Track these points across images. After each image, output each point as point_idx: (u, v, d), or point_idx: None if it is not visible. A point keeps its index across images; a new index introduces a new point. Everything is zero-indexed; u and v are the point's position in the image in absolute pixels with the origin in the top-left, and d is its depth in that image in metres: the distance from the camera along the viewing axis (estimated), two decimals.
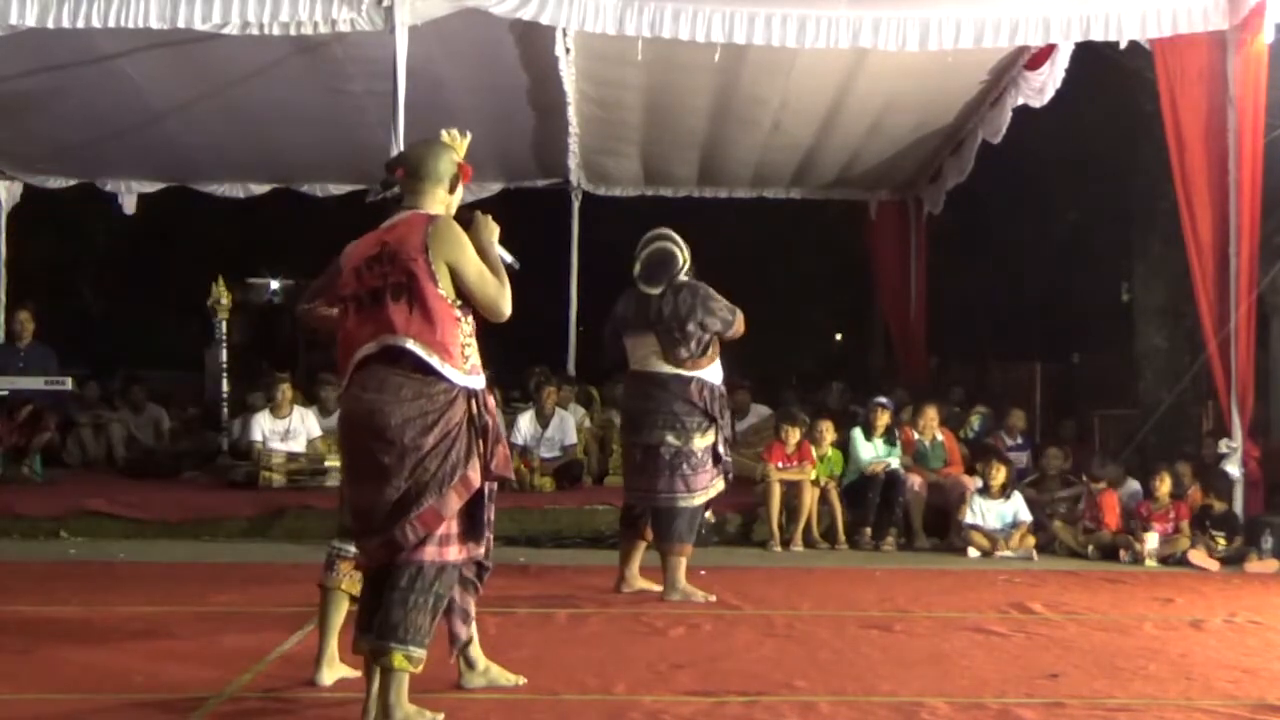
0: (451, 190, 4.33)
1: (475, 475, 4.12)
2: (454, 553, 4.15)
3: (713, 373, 6.74)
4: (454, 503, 4.09)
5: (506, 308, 4.20)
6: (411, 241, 4.10)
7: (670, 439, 6.60)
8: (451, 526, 4.13)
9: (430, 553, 4.09)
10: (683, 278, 6.73)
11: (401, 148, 8.27)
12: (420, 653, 4.09)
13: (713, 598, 6.61)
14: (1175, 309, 11.70)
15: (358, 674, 4.47)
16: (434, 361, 4.06)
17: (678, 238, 6.83)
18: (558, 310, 13.66)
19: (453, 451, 4.07)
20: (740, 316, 6.78)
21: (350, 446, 4.20)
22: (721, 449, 6.77)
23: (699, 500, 6.73)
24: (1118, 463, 9.51)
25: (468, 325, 4.17)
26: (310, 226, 18.23)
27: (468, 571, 4.37)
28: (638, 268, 6.80)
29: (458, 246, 4.12)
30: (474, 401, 4.16)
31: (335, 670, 4.76)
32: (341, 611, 4.73)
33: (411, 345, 4.06)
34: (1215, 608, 6.75)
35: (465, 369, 4.13)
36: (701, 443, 6.65)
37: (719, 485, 6.85)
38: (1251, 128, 8.69)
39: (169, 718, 4.33)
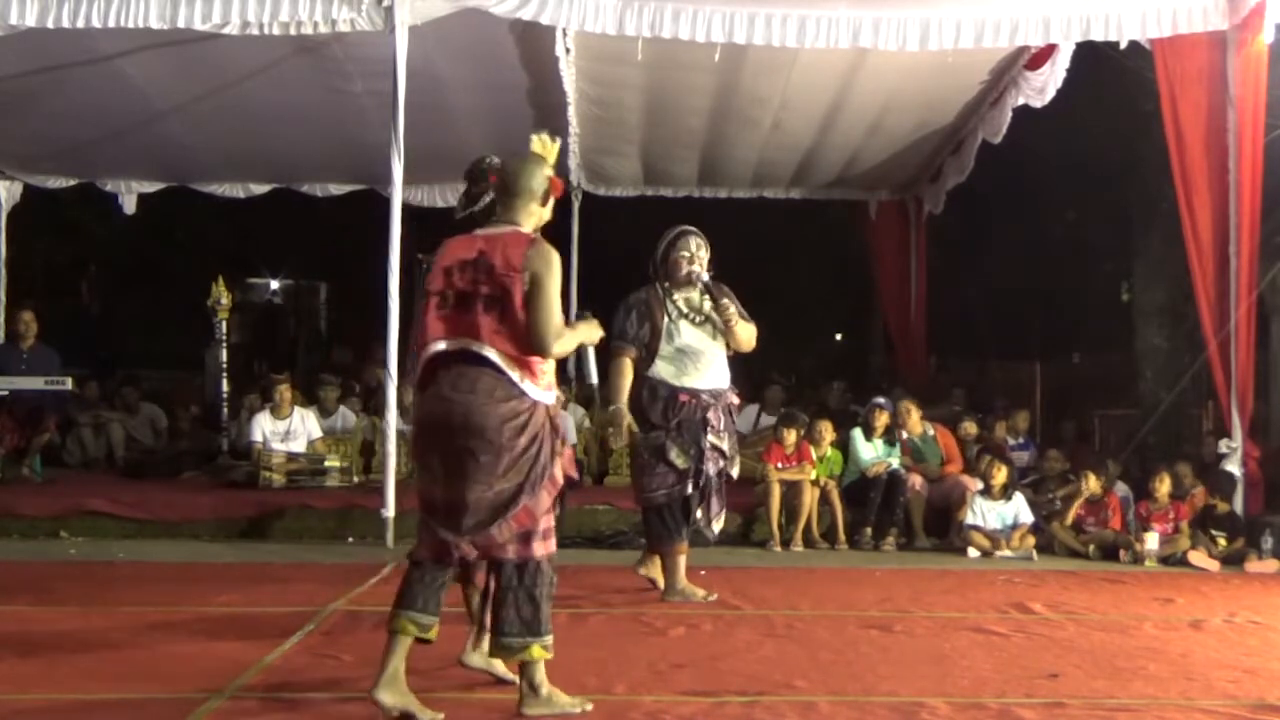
0: (543, 203, 4.48)
1: (559, 474, 4.37)
2: (553, 545, 4.39)
3: None
4: (545, 501, 4.32)
5: (553, 347, 4.26)
6: (512, 260, 4.25)
7: (641, 439, 6.49)
8: (549, 521, 4.35)
9: (539, 548, 4.31)
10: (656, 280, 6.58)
11: (401, 148, 8.32)
12: (551, 639, 4.32)
13: (713, 596, 6.59)
14: (1175, 309, 11.71)
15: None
16: (514, 376, 4.24)
17: (672, 235, 6.61)
18: None
19: (542, 452, 4.28)
20: (612, 356, 6.38)
21: (440, 446, 4.29)
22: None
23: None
24: (1115, 463, 9.53)
25: None
26: (310, 226, 18.25)
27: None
28: None
29: (548, 271, 4.26)
30: (549, 406, 4.36)
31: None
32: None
33: (494, 356, 4.22)
34: (1215, 608, 6.75)
35: (541, 386, 4.30)
36: None
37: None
38: (1251, 128, 8.70)
39: (169, 718, 4.33)
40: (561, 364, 13.08)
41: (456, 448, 4.22)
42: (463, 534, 4.25)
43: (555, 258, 4.30)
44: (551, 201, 4.52)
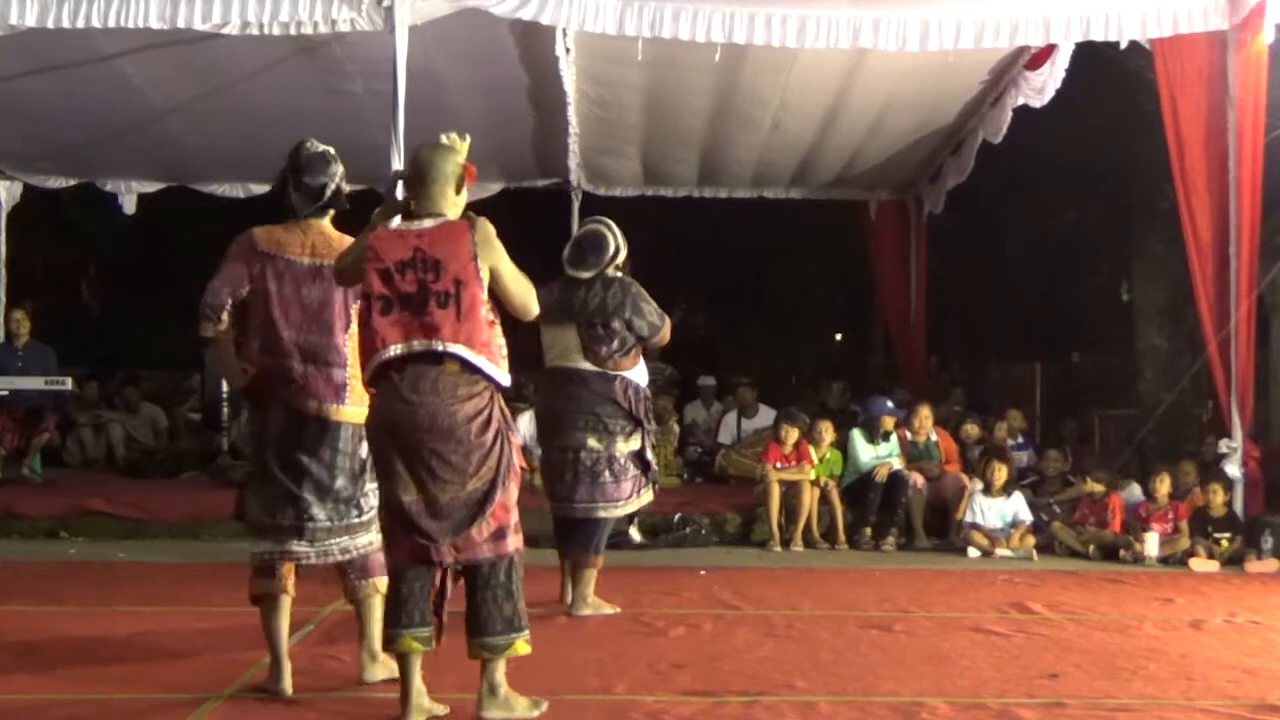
0: (458, 191, 4.40)
1: (520, 464, 4.36)
2: (522, 539, 4.38)
3: (638, 374, 6.31)
4: (515, 493, 4.32)
5: (536, 307, 4.46)
6: (459, 251, 4.22)
7: (592, 443, 6.17)
8: (517, 514, 4.34)
9: (513, 542, 4.30)
10: (613, 272, 6.30)
11: (401, 148, 8.29)
12: (529, 632, 4.33)
13: (619, 609, 6.28)
14: (1175, 309, 11.72)
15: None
16: (481, 363, 4.21)
17: (614, 226, 6.43)
18: None
19: (505, 443, 4.27)
20: (668, 325, 6.35)
21: (404, 449, 4.20)
22: (649, 456, 6.36)
23: (621, 511, 6.33)
24: (1117, 465, 9.53)
25: (498, 327, 4.33)
26: None
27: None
28: (567, 250, 6.38)
29: (498, 252, 4.29)
30: (501, 395, 4.34)
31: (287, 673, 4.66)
32: (287, 615, 4.69)
33: (461, 351, 4.19)
34: (1215, 608, 6.75)
35: (503, 367, 4.30)
36: (626, 448, 6.22)
37: (646, 496, 6.41)
38: (1251, 128, 8.69)
39: (169, 718, 4.33)
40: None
41: (424, 451, 4.17)
42: (442, 537, 4.19)
43: (493, 232, 4.29)
44: (465, 191, 4.44)
